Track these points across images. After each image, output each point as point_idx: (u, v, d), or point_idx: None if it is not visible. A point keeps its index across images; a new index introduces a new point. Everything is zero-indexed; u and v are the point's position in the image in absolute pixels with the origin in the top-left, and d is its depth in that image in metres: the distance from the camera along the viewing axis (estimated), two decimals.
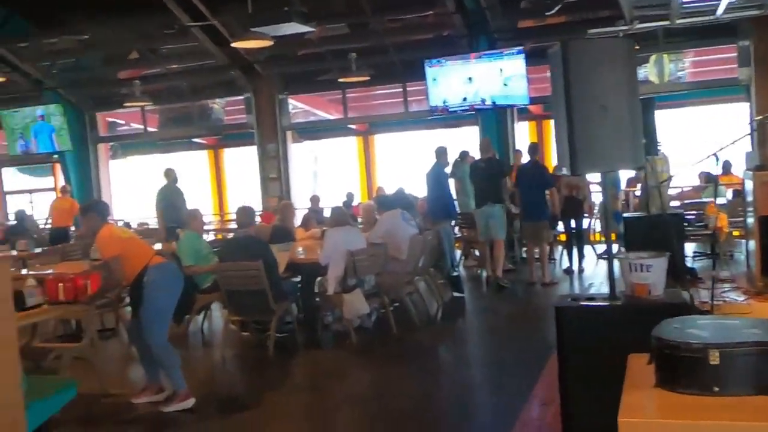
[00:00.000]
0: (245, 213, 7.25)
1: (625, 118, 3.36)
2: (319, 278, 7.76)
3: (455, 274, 9.50)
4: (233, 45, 9.96)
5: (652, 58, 12.25)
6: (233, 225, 14.24)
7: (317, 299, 7.84)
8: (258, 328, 7.72)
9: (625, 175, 12.43)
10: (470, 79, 12.18)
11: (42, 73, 13.93)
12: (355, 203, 13.39)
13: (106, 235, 5.63)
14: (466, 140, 13.14)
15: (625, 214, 7.91)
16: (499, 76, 12.00)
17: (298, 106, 15.73)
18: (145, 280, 5.54)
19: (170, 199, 11.35)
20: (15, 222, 13.51)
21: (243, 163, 17.01)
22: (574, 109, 3.35)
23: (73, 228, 13.77)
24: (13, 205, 17.14)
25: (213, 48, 12.73)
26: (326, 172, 19.36)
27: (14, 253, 11.05)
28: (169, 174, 11.86)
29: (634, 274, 3.48)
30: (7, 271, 4.48)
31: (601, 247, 11.90)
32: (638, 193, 12.38)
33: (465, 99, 12.36)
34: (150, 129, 15.74)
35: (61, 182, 15.63)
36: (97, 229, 5.67)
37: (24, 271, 7.86)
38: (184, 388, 5.63)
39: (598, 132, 3.35)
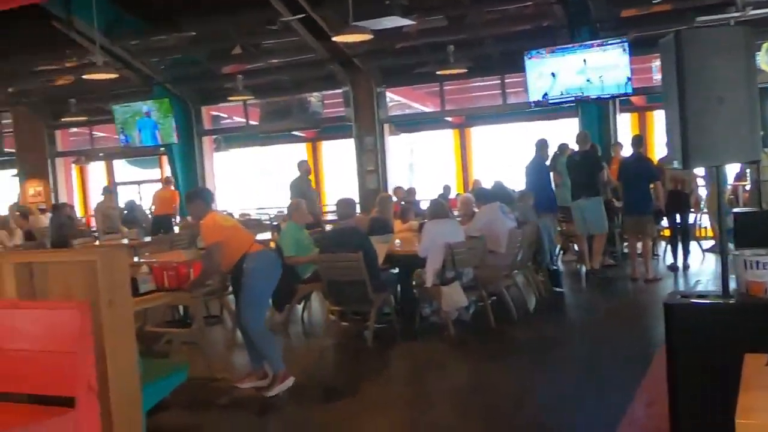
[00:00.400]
0: (346, 205, 7.36)
1: (742, 110, 3.24)
2: (416, 270, 7.80)
3: (554, 268, 9.36)
4: (334, 39, 10.09)
5: (765, 45, 11.68)
6: (330, 216, 14.51)
7: (415, 291, 7.89)
8: (357, 318, 7.84)
9: (731, 169, 11.95)
10: (571, 70, 11.93)
11: (152, 69, 14.51)
12: (451, 196, 13.38)
13: (209, 222, 5.84)
14: (566, 133, 12.89)
15: (735, 210, 7.61)
16: (601, 66, 11.71)
17: (395, 99, 15.82)
18: (244, 267, 5.73)
19: (302, 190, 11.54)
20: (126, 212, 14.14)
21: (340, 155, 17.26)
22: (688, 101, 3.25)
23: (178, 218, 14.40)
24: (123, 195, 17.94)
25: (313, 42, 12.94)
26: (422, 165, 19.41)
27: (125, 241, 11.61)
28: (302, 166, 12.09)
29: (749, 271, 3.35)
30: (127, 258, 4.72)
31: (707, 243, 11.47)
32: (748, 187, 11.87)
33: (565, 90, 12.13)
34: (251, 122, 16.17)
35: (168, 174, 16.29)
36: (202, 216, 5.89)
37: (135, 259, 8.24)
38: (282, 368, 5.78)
39: (713, 124, 3.24)
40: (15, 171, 17.63)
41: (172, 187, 14.79)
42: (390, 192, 12.91)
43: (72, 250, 8.22)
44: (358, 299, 7.10)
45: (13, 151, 17.61)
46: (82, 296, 4.31)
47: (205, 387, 5.85)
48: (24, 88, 16.29)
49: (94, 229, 15.35)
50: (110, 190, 14.01)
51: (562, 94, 12.16)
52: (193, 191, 6.55)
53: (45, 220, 14.17)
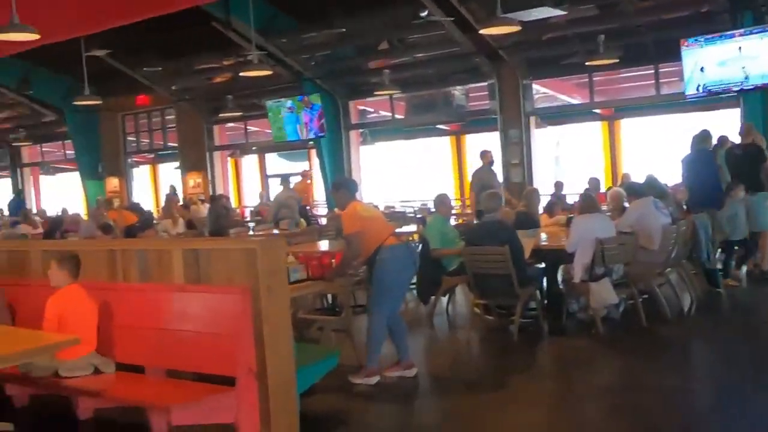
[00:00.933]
0: (493, 198, 7.33)
1: None
2: (564, 265, 7.66)
3: (711, 267, 8.88)
4: (481, 32, 10.05)
5: None
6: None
7: (562, 287, 7.75)
8: (502, 312, 7.80)
9: None
10: (733, 58, 11.27)
11: (302, 66, 15.02)
12: (601, 190, 12.99)
13: (350, 211, 5.99)
14: (726, 124, 12.18)
15: None
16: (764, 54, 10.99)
17: (540, 91, 15.53)
18: (377, 259, 5.85)
19: (485, 180, 11.55)
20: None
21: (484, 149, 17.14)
22: None
23: (323, 209, 14.92)
24: (275, 188, 18.67)
25: (459, 36, 12.94)
26: (569, 158, 18.96)
27: (276, 231, 12.10)
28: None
29: None
30: (284, 248, 4.94)
31: None
32: None
33: (726, 80, 11.47)
34: (397, 116, 16.38)
35: (316, 167, 16.82)
36: (345, 205, 6.06)
37: None
38: (374, 366, 5.91)
39: None
40: (177, 164, 18.77)
41: (308, 180, 15.32)
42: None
43: (234, 238, 8.67)
44: (504, 293, 7.06)
45: (176, 145, 18.76)
46: (242, 282, 4.57)
47: (354, 374, 6.01)
48: (186, 86, 17.31)
49: (248, 219, 16.12)
50: (288, 180, 14.37)
51: (722, 83, 11.51)
52: (338, 181, 6.75)
53: (204, 210, 15.01)
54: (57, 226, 13.78)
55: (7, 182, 22.30)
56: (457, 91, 16.03)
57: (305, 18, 13.89)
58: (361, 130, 16.85)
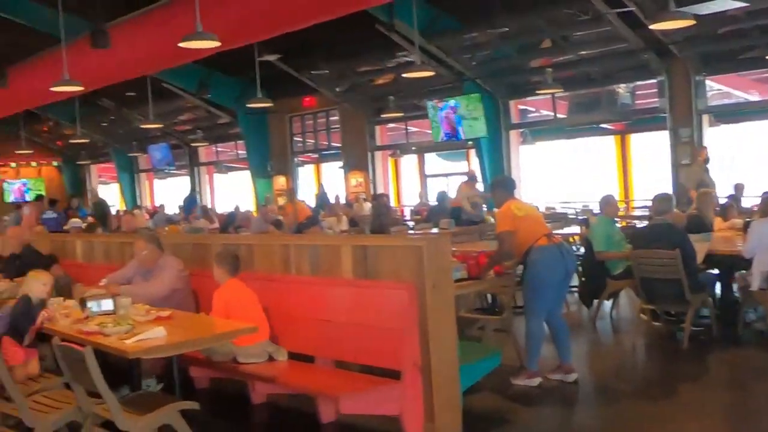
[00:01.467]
0: (664, 200, 7.05)
1: None
2: (739, 272, 7.24)
3: None
4: (652, 27, 9.67)
5: None
6: (639, 212, 13.94)
7: (737, 294, 7.33)
8: (670, 319, 7.49)
9: None
10: None
11: (463, 66, 15.07)
12: None
13: (504, 209, 6.00)
14: None
15: None
16: None
17: (714, 88, 14.70)
18: (527, 260, 5.81)
19: (699, 178, 11.17)
20: (436, 203, 14.86)
21: (651, 148, 16.45)
22: None
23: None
24: (433, 187, 18.83)
25: (627, 32, 12.51)
26: (747, 159, 17.79)
27: (435, 230, 12.22)
28: (698, 152, 11.75)
29: None
30: (449, 246, 5.02)
31: None
32: None
33: None
34: (559, 115, 16.06)
35: (474, 167, 16.81)
36: (501, 203, 6.07)
37: None
38: (534, 368, 5.84)
39: None
40: (340, 163, 19.38)
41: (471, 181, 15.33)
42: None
43: (401, 236, 8.86)
44: (674, 299, 6.78)
45: (339, 145, 19.38)
46: (409, 279, 4.69)
47: (515, 375, 5.98)
48: (350, 87, 17.83)
49: (407, 218, 16.38)
50: (474, 178, 14.36)
51: None
52: (496, 179, 6.79)
53: (366, 208, 15.42)
54: (230, 221, 14.69)
55: (185, 180, 23.90)
56: (622, 88, 15.48)
57: (467, 18, 13.92)
58: (521, 130, 16.66)
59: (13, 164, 25.10)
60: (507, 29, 13.35)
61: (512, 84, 15.81)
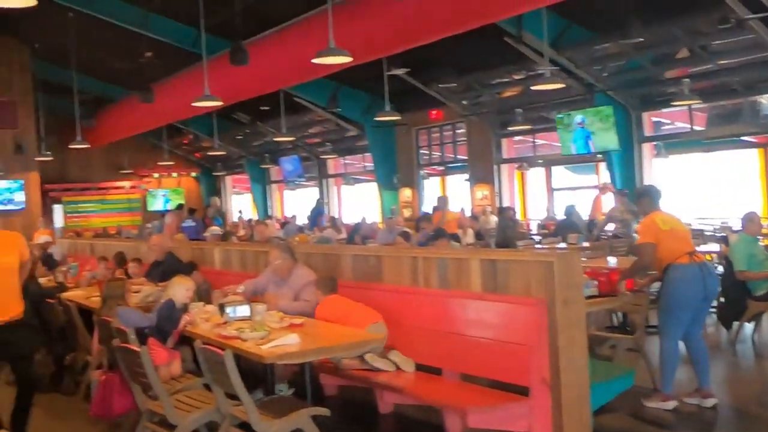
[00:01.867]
0: None
1: None
2: None
3: None
4: None
5: None
6: None
7: None
8: None
9: None
10: None
11: (594, 77, 14.72)
12: None
13: (647, 221, 5.86)
14: None
15: None
16: None
17: None
18: (665, 277, 5.66)
19: None
20: (564, 217, 14.57)
21: None
22: None
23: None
24: (560, 201, 18.47)
25: None
26: None
27: (563, 245, 11.98)
28: None
29: None
30: (580, 262, 4.92)
31: None
32: None
33: None
34: (696, 128, 15.39)
35: (603, 180, 16.35)
36: (646, 213, 5.91)
37: None
38: (668, 390, 5.63)
39: None
40: (466, 176, 19.34)
41: (608, 194, 14.90)
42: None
43: (531, 250, 8.76)
44: None
45: (465, 158, 19.35)
46: (539, 294, 4.63)
47: (648, 397, 5.77)
48: (477, 100, 17.80)
49: (533, 232, 16.14)
50: (624, 193, 13.84)
51: None
52: (642, 189, 6.66)
53: (492, 221, 15.32)
54: (355, 232, 14.97)
55: (314, 191, 24.56)
56: (765, 99, 14.65)
57: (600, 29, 13.60)
58: (655, 143, 16.07)
59: (156, 175, 26.62)
60: (641, 39, 12.92)
61: (646, 95, 15.28)
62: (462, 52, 14.81)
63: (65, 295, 7.62)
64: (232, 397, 4.41)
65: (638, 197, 6.24)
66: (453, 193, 20.60)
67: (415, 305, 5.55)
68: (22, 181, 21.09)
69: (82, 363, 6.90)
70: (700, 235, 11.96)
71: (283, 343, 4.49)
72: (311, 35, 11.17)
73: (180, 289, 5.52)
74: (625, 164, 15.44)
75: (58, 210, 24.94)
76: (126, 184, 26.19)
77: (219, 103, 12.44)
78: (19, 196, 20.61)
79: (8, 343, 5.01)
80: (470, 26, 10.03)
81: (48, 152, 19.68)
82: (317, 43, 9.11)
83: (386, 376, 5.24)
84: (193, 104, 12.15)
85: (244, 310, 5.40)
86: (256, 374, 5.41)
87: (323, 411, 4.44)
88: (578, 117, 15.34)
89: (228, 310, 5.40)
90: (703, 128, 15.53)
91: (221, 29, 13.66)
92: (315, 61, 8.89)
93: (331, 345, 4.77)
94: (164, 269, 8.14)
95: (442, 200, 14.67)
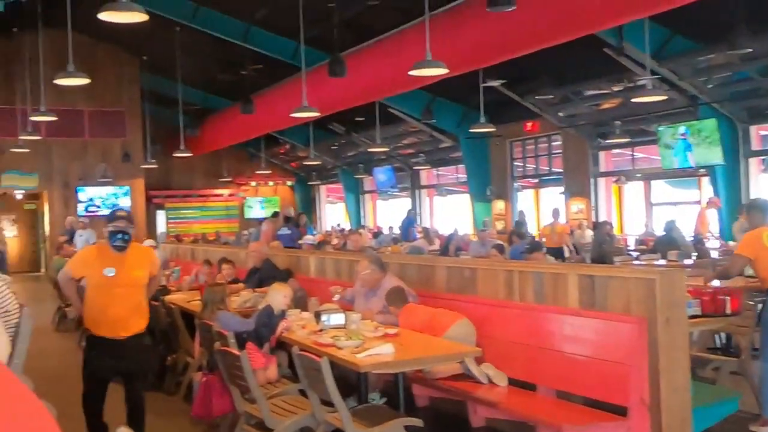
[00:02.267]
0: None
1: None
2: None
3: None
4: None
5: None
6: None
7: None
8: None
9: None
10: None
11: (698, 89, 14.25)
12: None
13: (753, 234, 5.74)
14: None
15: None
16: None
17: None
18: (765, 299, 5.44)
19: None
20: (664, 233, 14.13)
21: None
22: None
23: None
24: (659, 216, 17.92)
25: None
26: None
27: (663, 262, 11.61)
28: None
29: None
30: (684, 280, 4.77)
31: None
32: None
33: None
34: None
35: (706, 195, 15.79)
36: (757, 226, 5.72)
37: None
38: None
39: None
40: (561, 189, 19.03)
41: (714, 209, 14.40)
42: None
43: (631, 267, 8.56)
44: None
45: (561, 170, 19.05)
46: (639, 312, 4.52)
47: (754, 422, 5.53)
48: (574, 112, 17.51)
49: (630, 247, 15.71)
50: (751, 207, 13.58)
51: None
52: (753, 202, 6.54)
53: (587, 236, 15.01)
54: (448, 243, 14.95)
55: (406, 202, 24.69)
56: None
57: (704, 39, 13.16)
58: (763, 158, 15.40)
59: (253, 183, 27.35)
60: (750, 50, 12.42)
61: (754, 108, 14.68)
62: (560, 64, 14.62)
63: (168, 298, 7.92)
64: (327, 403, 4.48)
65: (748, 210, 6.15)
66: (547, 206, 20.34)
67: (509, 319, 5.50)
68: (128, 188, 22.09)
69: (183, 364, 7.14)
70: None
71: (378, 353, 4.54)
72: (407, 47, 11.26)
73: (278, 295, 5.65)
74: (730, 179, 14.85)
75: (161, 216, 25.96)
76: (225, 191, 27.01)
77: (316, 114, 12.69)
78: (125, 202, 21.58)
79: (128, 357, 5.02)
80: (568, 38, 9.90)
81: (153, 160, 20.50)
82: (413, 54, 9.18)
83: (480, 389, 5.21)
84: (292, 115, 12.43)
85: (339, 319, 5.49)
86: (350, 382, 5.46)
87: (416, 421, 4.46)
88: (681, 129, 14.86)
89: (323, 317, 5.50)
90: None
91: (319, 42, 13.96)
92: (412, 73, 8.94)
93: (426, 356, 4.79)
94: (261, 276, 8.36)
95: (556, 212, 14.57)
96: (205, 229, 24.82)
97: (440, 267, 6.44)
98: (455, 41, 10.53)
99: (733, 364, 6.10)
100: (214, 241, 18.98)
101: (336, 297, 6.44)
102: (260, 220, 19.27)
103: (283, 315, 5.62)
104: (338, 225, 24.91)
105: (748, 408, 5.60)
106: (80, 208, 21.76)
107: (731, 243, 13.89)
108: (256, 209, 27.14)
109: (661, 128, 15.32)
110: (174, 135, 18.58)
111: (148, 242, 14.25)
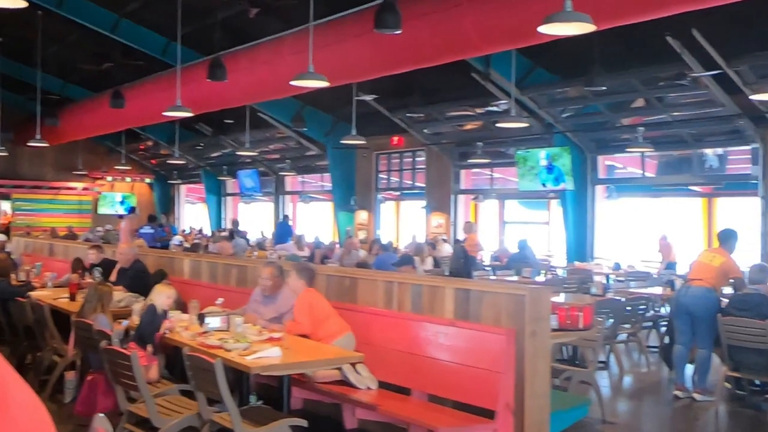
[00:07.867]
0: (760, 271, 7.13)
1: None
2: None
3: None
4: (752, 97, 9.75)
5: None
6: None
7: None
8: (755, 389, 7.48)
9: None
10: None
11: (554, 118, 15.30)
12: None
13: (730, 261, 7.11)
14: None
15: None
16: None
17: None
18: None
19: None
20: (518, 250, 15.02)
21: (739, 214, 16.27)
22: None
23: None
24: (510, 234, 18.98)
25: (723, 97, 12.55)
26: None
27: (515, 278, 12.38)
28: None
29: None
30: (550, 296, 5.26)
31: None
32: None
33: None
34: (647, 174, 16.09)
35: (555, 216, 16.93)
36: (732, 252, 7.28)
37: None
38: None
39: None
40: (423, 203, 19.73)
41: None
42: None
43: (503, 283, 9.09)
44: (761, 369, 6.81)
45: (423, 185, 19.76)
46: (508, 324, 4.95)
47: (598, 427, 6.13)
48: (439, 130, 18.25)
49: (486, 264, 16.54)
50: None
51: None
52: (731, 231, 7.54)
53: (445, 250, 15.68)
54: (314, 251, 15.18)
55: (269, 206, 24.66)
56: (711, 152, 15.42)
57: (563, 73, 14.19)
58: (607, 186, 16.73)
59: (109, 178, 26.35)
60: (604, 88, 13.51)
61: (602, 139, 15.93)
62: (430, 83, 15.25)
63: (35, 294, 7.66)
64: (212, 404, 4.59)
65: (728, 238, 7.33)
66: (407, 219, 21.00)
67: (387, 327, 5.80)
68: None
69: (48, 363, 6.94)
70: (646, 278, 12.50)
71: (266, 356, 4.70)
72: (286, 55, 11.41)
73: (161, 296, 5.68)
74: (577, 204, 16.02)
75: (5, 205, 24.56)
76: (79, 185, 25.86)
77: (189, 114, 12.54)
78: None
79: None
80: (438, 62, 10.41)
81: (2, 147, 19.38)
82: (292, 62, 9.33)
83: (358, 393, 5.47)
84: (165, 114, 12.23)
85: (221, 321, 5.58)
86: (229, 383, 5.57)
87: (301, 421, 4.66)
88: (542, 153, 15.87)
89: (207, 320, 5.58)
90: (653, 175, 16.25)
91: (192, 40, 13.80)
92: (293, 83, 9.11)
93: (313, 359, 4.99)
94: (132, 275, 8.23)
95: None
96: (54, 222, 23.66)
97: (321, 275, 6.65)
98: (335, 54, 10.78)
99: (582, 375, 6.72)
100: (68, 237, 18.21)
101: (219, 300, 6.50)
102: (120, 217, 18.70)
103: (165, 315, 5.65)
104: (199, 229, 24.43)
105: (596, 414, 6.20)
106: None
107: (576, 263, 15.03)
108: (111, 205, 26.19)
109: (521, 152, 16.28)
110: (27, 123, 17.67)
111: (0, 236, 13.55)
